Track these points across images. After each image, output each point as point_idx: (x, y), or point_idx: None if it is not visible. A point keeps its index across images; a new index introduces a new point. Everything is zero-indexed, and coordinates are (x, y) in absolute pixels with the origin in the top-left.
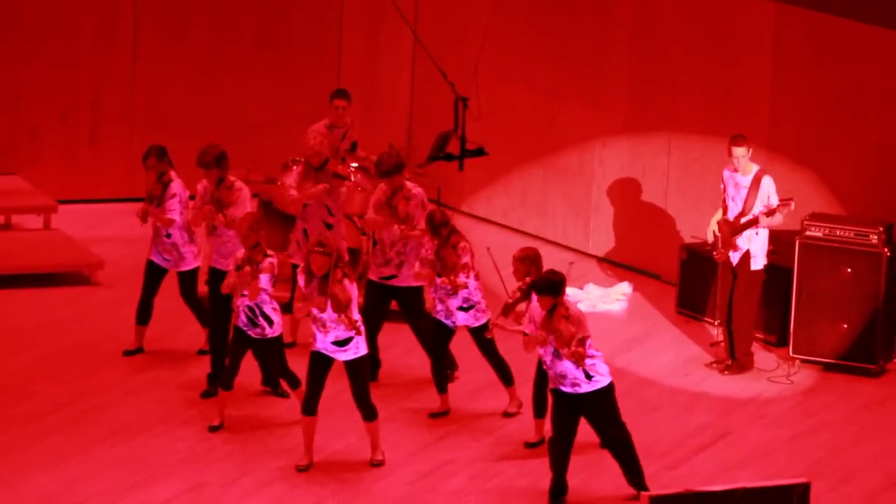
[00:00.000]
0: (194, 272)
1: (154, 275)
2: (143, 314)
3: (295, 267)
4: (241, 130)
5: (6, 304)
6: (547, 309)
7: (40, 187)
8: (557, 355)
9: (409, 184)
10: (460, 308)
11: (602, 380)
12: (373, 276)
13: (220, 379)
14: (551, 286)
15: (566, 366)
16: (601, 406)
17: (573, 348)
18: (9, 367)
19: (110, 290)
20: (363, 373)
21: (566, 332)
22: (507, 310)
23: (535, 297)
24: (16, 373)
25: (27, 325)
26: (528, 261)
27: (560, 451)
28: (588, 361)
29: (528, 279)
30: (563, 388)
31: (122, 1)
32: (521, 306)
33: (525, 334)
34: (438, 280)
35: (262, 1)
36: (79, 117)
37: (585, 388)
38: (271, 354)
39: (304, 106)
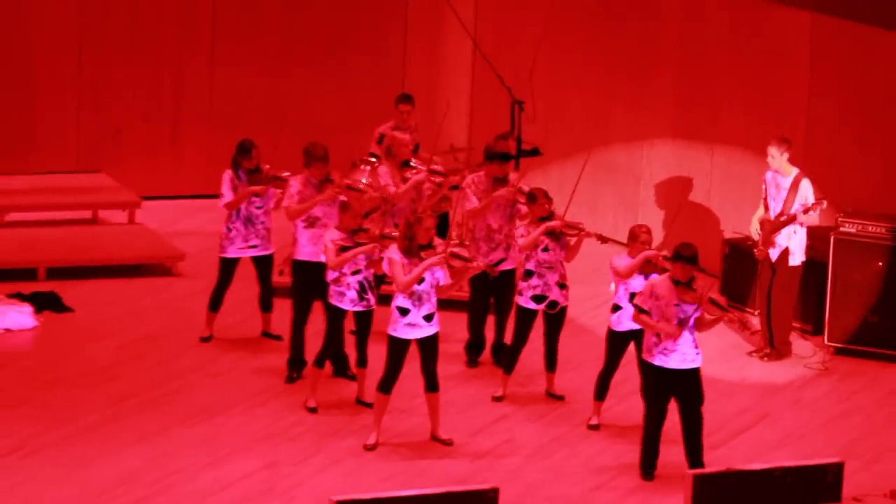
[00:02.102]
0: (272, 257)
1: (230, 267)
2: (216, 302)
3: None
4: (312, 130)
5: (93, 293)
6: (686, 280)
7: (125, 184)
8: (682, 324)
9: (512, 173)
10: (558, 284)
11: (701, 357)
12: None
13: (318, 359)
14: (694, 257)
15: (684, 337)
16: (697, 382)
17: (725, 314)
18: (95, 352)
19: (190, 281)
20: (436, 347)
21: (720, 300)
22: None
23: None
24: (102, 357)
25: (112, 313)
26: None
27: (656, 425)
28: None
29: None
30: (668, 366)
31: (200, 9)
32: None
33: (640, 310)
34: (543, 254)
35: (332, 9)
36: (161, 118)
37: (691, 364)
38: (368, 326)
39: (371, 108)
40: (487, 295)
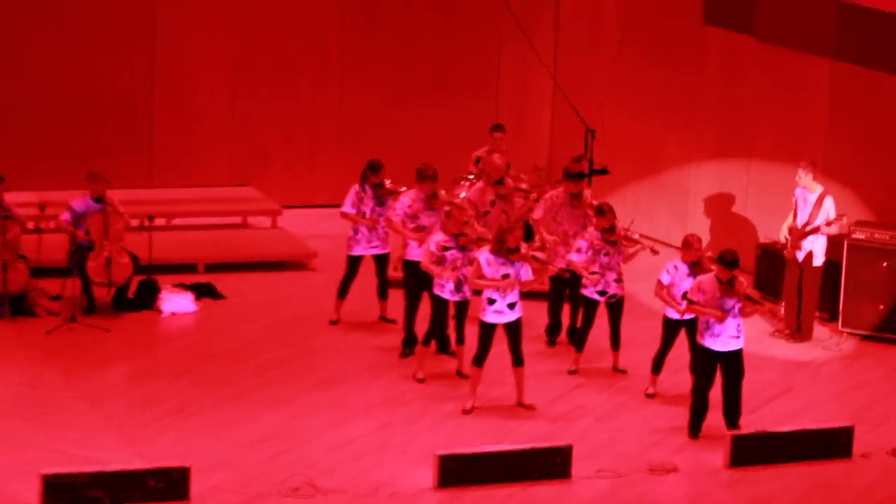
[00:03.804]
0: (388, 256)
1: (355, 263)
2: (343, 291)
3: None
4: (420, 151)
5: (243, 284)
6: (727, 279)
7: (269, 195)
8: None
9: (585, 191)
10: (616, 280)
11: (742, 339)
12: (559, 263)
13: (425, 339)
14: (735, 261)
15: (726, 326)
16: (739, 361)
17: (755, 307)
18: (244, 332)
19: (322, 275)
20: (520, 330)
21: (754, 294)
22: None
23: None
24: (249, 336)
25: (258, 300)
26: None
27: (703, 394)
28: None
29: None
30: (715, 347)
31: (331, 49)
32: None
33: (691, 302)
34: (605, 257)
35: (438, 51)
36: (299, 140)
37: (734, 346)
38: (464, 312)
39: (469, 135)
40: (563, 288)
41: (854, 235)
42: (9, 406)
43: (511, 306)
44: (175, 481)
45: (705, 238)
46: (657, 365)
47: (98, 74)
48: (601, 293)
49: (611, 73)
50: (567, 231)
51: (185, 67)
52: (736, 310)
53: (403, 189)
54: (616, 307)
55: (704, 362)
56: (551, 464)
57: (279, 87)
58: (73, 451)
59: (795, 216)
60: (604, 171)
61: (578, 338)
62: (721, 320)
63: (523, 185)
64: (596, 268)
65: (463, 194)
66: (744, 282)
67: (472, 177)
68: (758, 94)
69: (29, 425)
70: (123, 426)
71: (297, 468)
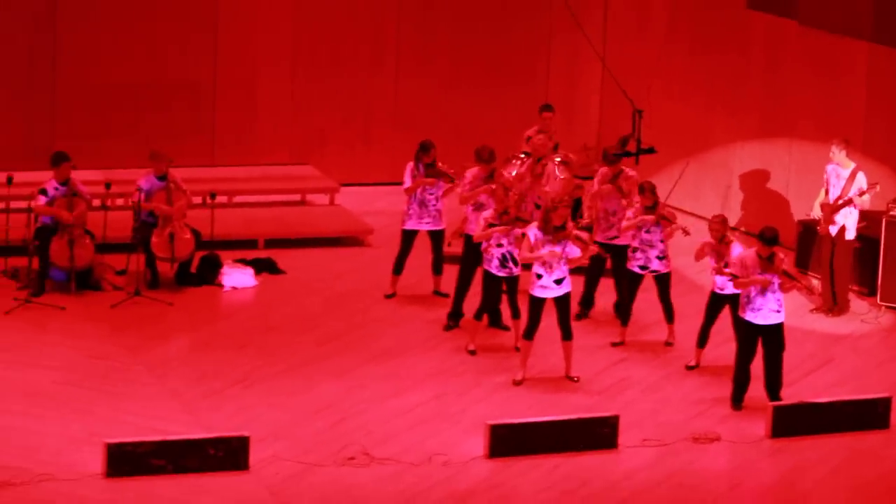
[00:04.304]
0: (443, 232)
1: (409, 238)
2: (399, 266)
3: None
4: (473, 132)
5: (301, 259)
6: (767, 255)
7: (327, 174)
8: (762, 292)
9: (627, 169)
10: (658, 257)
11: (783, 314)
12: (599, 238)
13: (477, 313)
14: (774, 238)
15: (766, 300)
16: (780, 334)
17: (793, 283)
18: (303, 305)
19: (378, 250)
20: (568, 304)
21: (791, 271)
22: (718, 259)
23: (737, 246)
24: (308, 310)
25: (316, 275)
26: (724, 222)
27: (745, 366)
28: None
29: (727, 237)
30: (756, 321)
31: (387, 33)
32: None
33: (734, 277)
34: (647, 234)
35: (491, 36)
36: (355, 121)
37: (775, 319)
38: (515, 287)
39: (520, 115)
40: (602, 263)
41: (892, 213)
42: (75, 377)
43: (558, 282)
44: (234, 450)
45: (747, 214)
46: (702, 338)
47: (163, 59)
48: (643, 268)
49: (658, 58)
50: (607, 209)
51: (246, 52)
52: (776, 284)
53: (451, 171)
54: (662, 282)
55: (746, 335)
56: (598, 434)
57: (337, 71)
58: (137, 420)
59: (827, 192)
60: (651, 150)
61: (623, 311)
62: (766, 285)
63: (566, 159)
64: (636, 244)
65: (514, 172)
66: (783, 258)
67: (523, 156)
68: (799, 76)
69: (94, 396)
70: (185, 397)
71: (352, 437)
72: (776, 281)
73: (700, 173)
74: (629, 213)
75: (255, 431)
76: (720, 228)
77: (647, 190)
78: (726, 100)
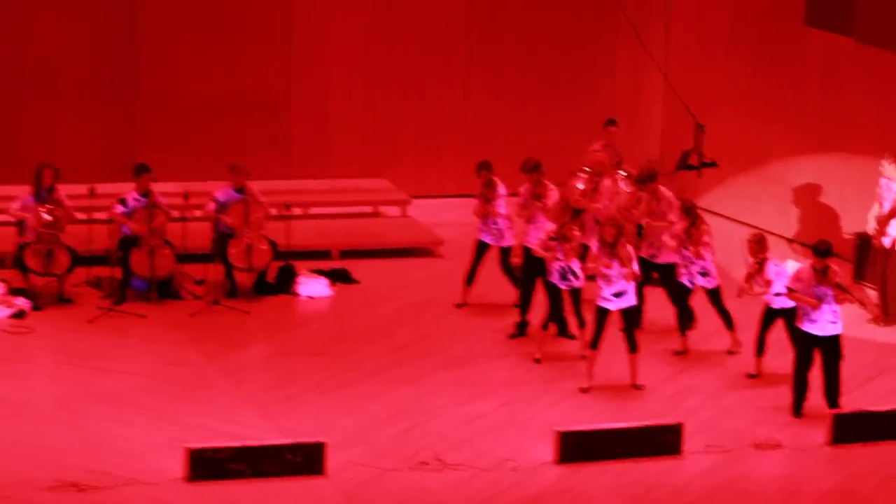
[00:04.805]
0: (510, 248)
1: (481, 249)
2: (470, 277)
3: (585, 246)
4: (539, 146)
5: (374, 269)
6: (821, 268)
7: (399, 186)
8: (820, 300)
9: (661, 188)
10: (700, 273)
11: (840, 325)
12: (643, 254)
13: (544, 323)
14: (828, 251)
15: (821, 313)
16: (836, 345)
17: (845, 295)
18: (376, 314)
19: (448, 261)
20: (631, 317)
21: (845, 283)
22: (748, 278)
23: (771, 267)
24: (381, 318)
25: (389, 284)
26: (761, 242)
27: (802, 376)
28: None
29: (761, 255)
30: (813, 332)
31: (457, 53)
32: (757, 276)
33: (790, 290)
34: (686, 251)
35: (558, 54)
36: (426, 135)
37: (832, 330)
38: (578, 298)
39: (586, 129)
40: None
41: None
42: (156, 384)
43: (617, 295)
44: (311, 455)
45: (804, 227)
46: (759, 347)
47: (241, 75)
48: (689, 282)
49: (719, 74)
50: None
51: (320, 68)
52: (829, 297)
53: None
54: (712, 296)
55: (803, 345)
56: (663, 440)
57: (409, 86)
58: (216, 426)
59: (881, 205)
60: (713, 164)
61: (681, 322)
62: (814, 307)
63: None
64: (680, 260)
65: (580, 185)
66: (837, 271)
67: (588, 169)
68: (856, 92)
69: (174, 402)
70: (263, 403)
71: (425, 443)
72: (830, 293)
73: (759, 187)
74: (665, 235)
75: (329, 437)
76: (756, 249)
77: (690, 210)
78: (784, 115)
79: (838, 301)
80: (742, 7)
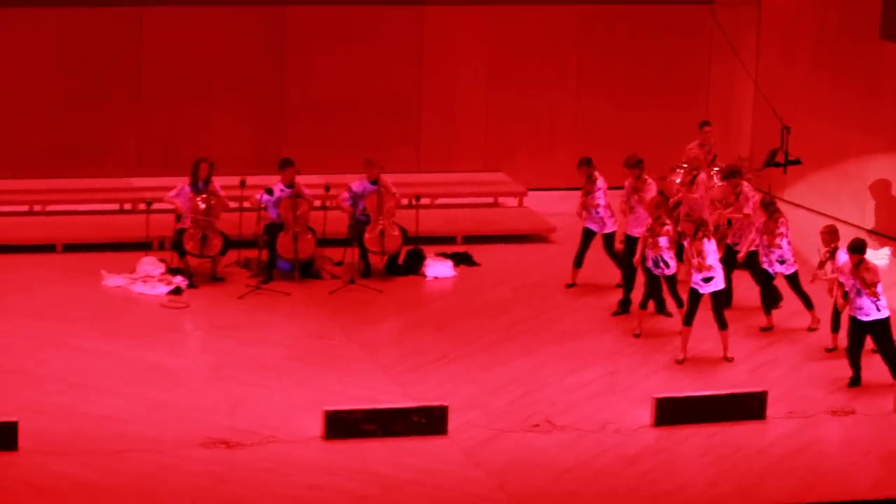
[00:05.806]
0: (613, 234)
1: (587, 236)
2: (579, 261)
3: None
4: (642, 144)
5: (493, 253)
6: (854, 263)
7: (517, 179)
8: (859, 293)
9: (743, 183)
10: (779, 261)
11: (885, 312)
12: (729, 242)
13: (642, 302)
14: (859, 248)
15: (864, 300)
16: (883, 329)
17: (868, 289)
18: (494, 293)
19: (560, 246)
20: (721, 300)
21: (868, 278)
22: (820, 265)
23: (842, 256)
24: (499, 297)
25: (506, 267)
26: (833, 233)
27: (854, 355)
28: (876, 299)
29: (833, 245)
30: (859, 317)
31: (570, 57)
32: (828, 263)
33: (840, 283)
34: (763, 241)
35: (658, 61)
36: (541, 133)
37: (874, 316)
38: (673, 282)
39: (684, 129)
40: (732, 261)
41: None
42: (298, 354)
43: (706, 280)
44: (436, 418)
45: (880, 218)
46: (834, 324)
47: (376, 79)
48: (771, 268)
49: (803, 82)
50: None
51: (447, 73)
52: (855, 289)
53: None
54: (791, 280)
55: (851, 329)
56: (749, 406)
57: (526, 89)
58: (351, 391)
59: None
60: (797, 162)
61: (764, 302)
62: (842, 308)
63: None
64: (759, 248)
65: (678, 180)
66: (868, 266)
67: (685, 165)
68: None
69: (314, 370)
70: (393, 371)
71: (537, 408)
72: (858, 285)
73: (838, 182)
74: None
75: (452, 402)
76: (828, 239)
77: (769, 204)
78: (861, 119)
79: (868, 294)
80: (824, 22)
